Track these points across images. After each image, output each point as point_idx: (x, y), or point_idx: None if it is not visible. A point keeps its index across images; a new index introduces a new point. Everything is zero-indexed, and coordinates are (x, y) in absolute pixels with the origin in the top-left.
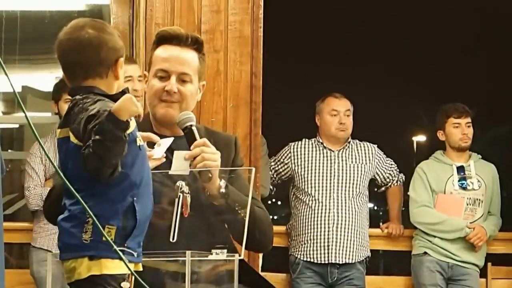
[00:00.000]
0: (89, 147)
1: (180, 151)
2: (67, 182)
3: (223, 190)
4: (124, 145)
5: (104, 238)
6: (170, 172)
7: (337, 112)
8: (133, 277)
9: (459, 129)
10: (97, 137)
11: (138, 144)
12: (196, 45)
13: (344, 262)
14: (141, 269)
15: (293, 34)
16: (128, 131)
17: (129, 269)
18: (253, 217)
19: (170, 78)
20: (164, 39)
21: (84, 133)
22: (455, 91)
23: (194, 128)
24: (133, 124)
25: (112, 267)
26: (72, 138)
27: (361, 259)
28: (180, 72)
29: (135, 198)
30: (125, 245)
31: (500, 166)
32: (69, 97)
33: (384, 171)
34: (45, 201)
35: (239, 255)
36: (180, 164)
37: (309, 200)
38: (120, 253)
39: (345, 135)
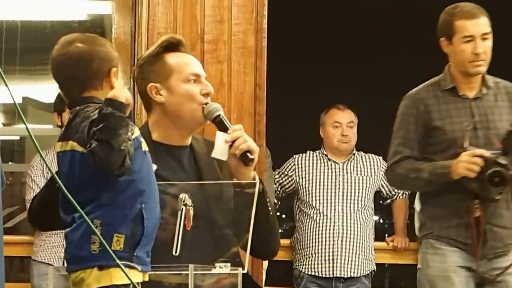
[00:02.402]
0: (93, 142)
1: (221, 133)
2: (69, 195)
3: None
4: (127, 127)
5: (112, 248)
6: (212, 155)
7: (339, 124)
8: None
9: None
10: (99, 125)
11: (143, 150)
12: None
13: (349, 276)
14: (147, 279)
15: (298, 43)
16: (133, 136)
17: (129, 278)
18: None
19: (202, 82)
20: (171, 45)
21: (88, 137)
22: None
23: (223, 117)
24: (136, 131)
25: (122, 277)
26: (78, 148)
27: (366, 273)
28: (205, 76)
29: (143, 205)
30: (135, 254)
31: None
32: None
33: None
34: (32, 204)
35: (243, 269)
36: (220, 148)
37: (313, 213)
38: (118, 261)
39: (348, 147)
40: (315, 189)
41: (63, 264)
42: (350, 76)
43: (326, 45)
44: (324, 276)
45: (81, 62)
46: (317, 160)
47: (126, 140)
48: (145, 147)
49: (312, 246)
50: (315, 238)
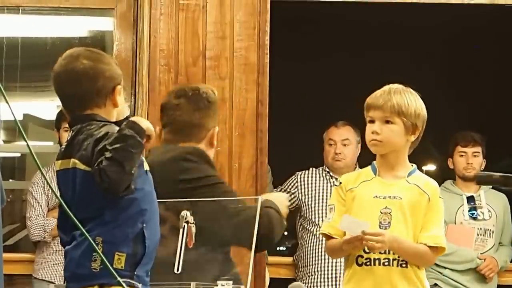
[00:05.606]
0: (104, 160)
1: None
2: (70, 213)
3: None
4: (141, 154)
5: (114, 266)
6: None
7: (334, 141)
8: None
9: (464, 158)
10: (116, 145)
11: (145, 169)
12: None
13: None
14: None
15: (301, 58)
16: None
17: None
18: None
19: None
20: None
21: (93, 156)
22: (471, 119)
23: None
24: None
25: None
26: (80, 166)
27: None
28: None
29: (144, 225)
30: (135, 273)
31: None
32: (67, 127)
33: None
34: None
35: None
36: None
37: (316, 231)
38: (119, 278)
39: (342, 165)
40: (318, 206)
41: (64, 282)
42: (355, 93)
43: (331, 60)
44: None
45: (86, 79)
46: (319, 177)
47: (136, 164)
48: (146, 167)
49: (315, 264)
50: (318, 256)
